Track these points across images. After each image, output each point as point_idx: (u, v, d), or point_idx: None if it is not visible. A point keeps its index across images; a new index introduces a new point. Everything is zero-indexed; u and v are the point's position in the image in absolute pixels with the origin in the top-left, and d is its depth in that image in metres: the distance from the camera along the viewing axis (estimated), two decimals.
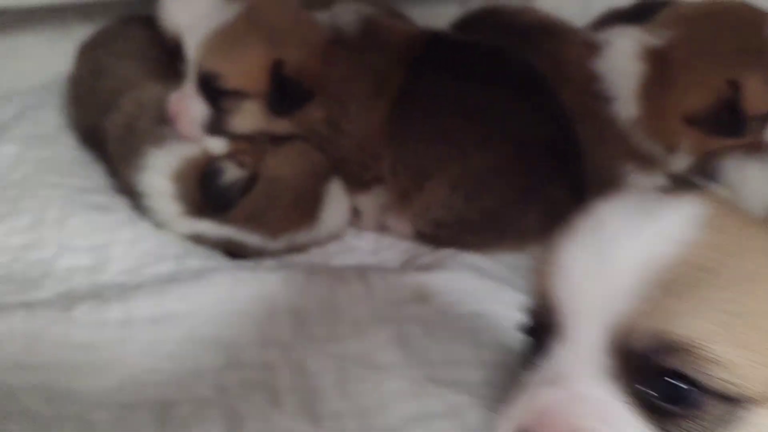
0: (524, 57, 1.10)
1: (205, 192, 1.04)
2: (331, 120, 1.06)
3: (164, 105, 1.10)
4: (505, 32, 1.27)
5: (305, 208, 1.07)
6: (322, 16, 1.09)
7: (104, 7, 1.61)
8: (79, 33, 1.61)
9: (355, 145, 1.07)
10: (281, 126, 1.07)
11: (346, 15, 1.09)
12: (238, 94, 1.03)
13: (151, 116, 1.12)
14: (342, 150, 1.08)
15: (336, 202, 1.11)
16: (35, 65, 1.60)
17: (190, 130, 1.07)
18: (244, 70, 1.01)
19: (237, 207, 1.03)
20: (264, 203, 1.04)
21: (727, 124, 1.02)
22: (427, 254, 1.12)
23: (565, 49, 1.19)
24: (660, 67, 1.07)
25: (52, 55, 1.61)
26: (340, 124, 1.06)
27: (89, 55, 1.31)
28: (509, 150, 1.02)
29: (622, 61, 1.11)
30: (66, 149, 1.29)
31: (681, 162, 1.13)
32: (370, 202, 1.15)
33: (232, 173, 1.04)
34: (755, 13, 1.08)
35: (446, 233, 1.07)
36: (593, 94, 1.12)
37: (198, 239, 1.10)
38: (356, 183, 1.12)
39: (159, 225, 1.11)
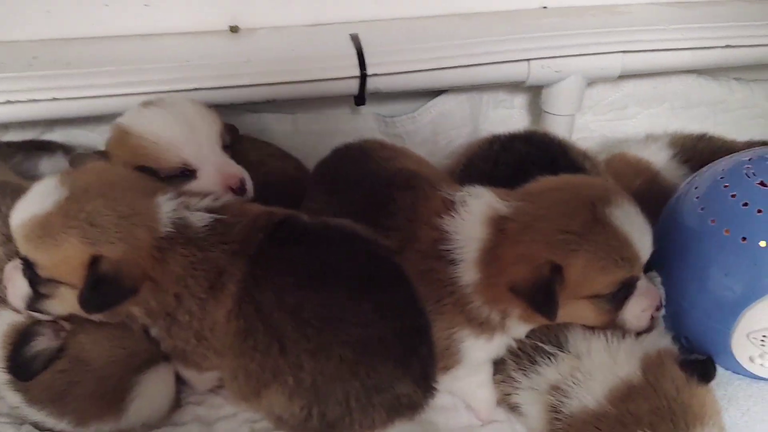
0: (372, 241, 1.06)
1: (11, 357, 1.02)
2: (168, 311, 1.01)
3: None
4: (370, 182, 1.24)
5: (109, 398, 1.04)
6: (169, 205, 1.02)
7: None
8: None
9: (193, 337, 1.03)
10: (96, 315, 1.02)
11: (195, 208, 1.04)
12: (54, 282, 0.99)
13: None
14: (178, 340, 1.04)
15: (150, 395, 1.07)
16: None
17: (16, 303, 1.04)
18: (58, 263, 0.97)
19: (38, 384, 1.01)
20: (64, 385, 1.02)
21: (540, 303, 1.01)
22: None
23: (420, 205, 1.16)
24: (499, 236, 1.06)
25: None
26: (176, 316, 1.01)
27: None
28: (348, 356, 0.96)
29: (471, 224, 1.09)
30: None
31: (519, 329, 1.12)
32: (205, 380, 1.12)
33: (42, 342, 1.02)
34: (593, 189, 1.07)
35: (288, 429, 1.04)
36: (437, 255, 1.10)
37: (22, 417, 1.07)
38: (194, 368, 1.09)
39: None
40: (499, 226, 1.07)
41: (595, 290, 1.04)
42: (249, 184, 1.24)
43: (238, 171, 1.24)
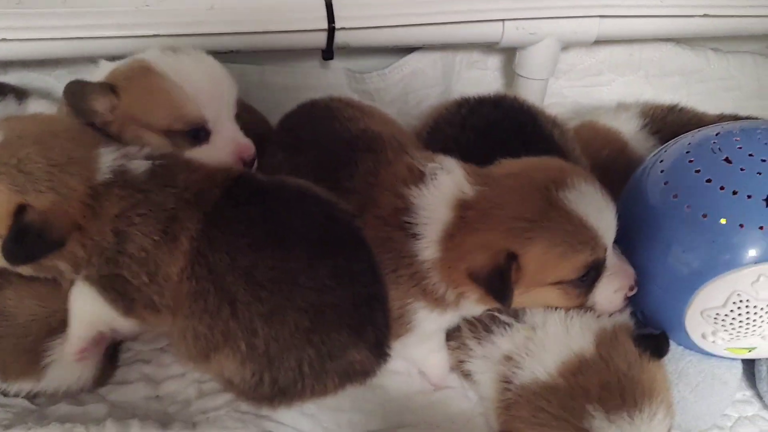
0: (332, 203, 1.03)
1: None
2: (106, 246, 0.96)
3: None
4: (332, 141, 1.21)
5: (27, 357, 1.02)
6: (110, 156, 0.98)
7: None
8: None
9: (145, 274, 0.97)
10: (23, 269, 0.99)
11: (134, 157, 1.00)
12: None
13: None
14: (125, 269, 0.97)
15: (67, 360, 1.04)
16: None
17: None
18: None
19: None
20: None
21: (496, 291, 1.00)
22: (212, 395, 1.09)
23: (383, 170, 1.13)
24: (461, 219, 1.03)
25: None
26: (125, 249, 0.96)
27: None
28: (303, 323, 0.95)
29: (438, 203, 1.06)
30: None
31: (474, 309, 1.11)
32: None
33: None
34: (548, 173, 1.04)
35: (237, 392, 1.03)
36: (398, 224, 1.07)
37: None
38: (123, 307, 1.01)
39: None
40: (462, 211, 1.04)
41: (558, 276, 1.02)
42: (256, 159, 1.20)
43: (250, 143, 1.19)
